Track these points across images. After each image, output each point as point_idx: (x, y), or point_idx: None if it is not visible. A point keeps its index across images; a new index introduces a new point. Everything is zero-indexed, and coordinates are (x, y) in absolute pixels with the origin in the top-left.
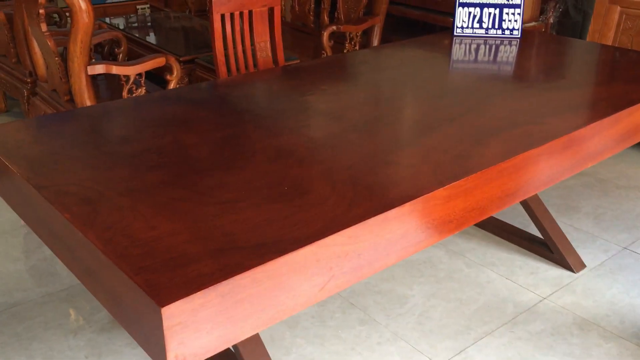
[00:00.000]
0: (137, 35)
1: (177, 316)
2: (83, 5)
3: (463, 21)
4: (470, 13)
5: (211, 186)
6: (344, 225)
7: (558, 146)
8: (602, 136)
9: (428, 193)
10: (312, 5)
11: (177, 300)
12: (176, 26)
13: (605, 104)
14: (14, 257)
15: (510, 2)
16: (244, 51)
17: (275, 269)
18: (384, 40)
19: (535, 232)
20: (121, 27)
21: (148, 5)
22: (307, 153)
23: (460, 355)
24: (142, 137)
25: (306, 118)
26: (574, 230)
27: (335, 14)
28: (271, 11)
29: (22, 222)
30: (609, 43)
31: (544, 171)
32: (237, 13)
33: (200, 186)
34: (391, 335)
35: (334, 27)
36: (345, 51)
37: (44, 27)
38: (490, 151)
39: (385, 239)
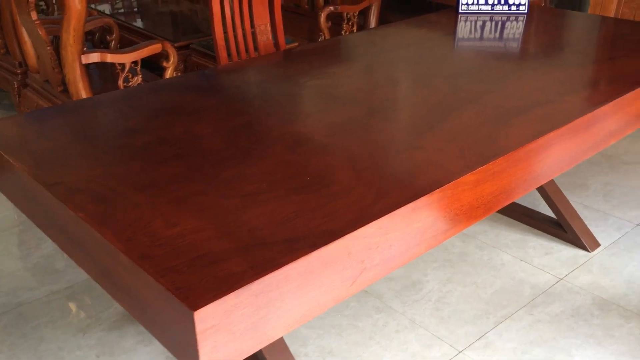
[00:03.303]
0: (126, 21)
1: (209, 319)
2: None
3: None
4: None
5: (230, 178)
6: (373, 217)
7: (582, 125)
8: (624, 113)
9: (457, 178)
10: None
11: (209, 302)
12: (165, 11)
13: (623, 80)
14: (14, 255)
15: None
16: (244, 35)
17: (307, 264)
18: (382, 20)
19: (546, 211)
20: (107, 13)
21: None
22: (326, 140)
23: (481, 340)
24: (151, 128)
25: (320, 103)
26: (585, 208)
27: None
28: None
29: (19, 219)
30: (611, 15)
31: (567, 151)
32: None
33: (219, 179)
34: (409, 323)
35: (332, 8)
36: (343, 32)
37: (34, 15)
38: (515, 132)
39: (415, 228)
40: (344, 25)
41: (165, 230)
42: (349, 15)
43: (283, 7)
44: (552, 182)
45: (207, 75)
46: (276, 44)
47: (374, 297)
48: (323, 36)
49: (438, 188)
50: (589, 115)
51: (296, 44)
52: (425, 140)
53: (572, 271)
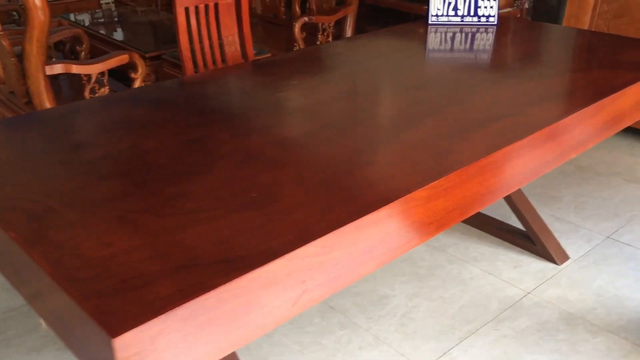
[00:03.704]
0: (100, 31)
1: (132, 346)
2: (38, 2)
3: (438, 9)
4: (445, 0)
5: (172, 196)
6: (316, 235)
7: (541, 138)
8: (586, 125)
9: (406, 194)
10: None
11: (131, 328)
12: (143, 21)
13: (586, 92)
14: None
15: None
16: (211, 46)
17: (242, 286)
18: (358, 30)
19: (518, 223)
20: (86, 23)
21: (112, 0)
22: (277, 155)
23: (445, 356)
24: (98, 142)
25: (277, 116)
26: (556, 220)
27: (307, 4)
28: (238, 3)
29: None
30: (585, 27)
31: (528, 164)
32: (202, 6)
33: (161, 196)
34: (373, 339)
35: (306, 18)
36: (318, 43)
37: None
38: (471, 146)
39: (362, 246)
40: (319, 36)
41: (97, 251)
42: (324, 26)
43: (261, 18)
44: (521, 194)
45: (167, 87)
46: (244, 55)
47: (338, 313)
48: (298, 46)
49: (385, 205)
50: (548, 128)
51: (269, 54)
52: (378, 155)
53: (540, 285)
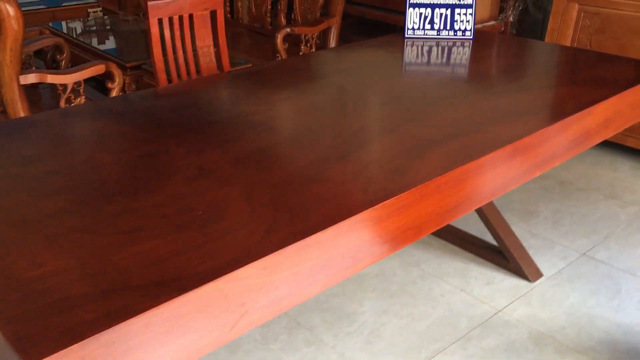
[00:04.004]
0: (83, 40)
1: None
2: (11, 11)
3: (414, 22)
4: (421, 14)
5: (116, 213)
6: (257, 256)
7: (502, 156)
8: (550, 144)
9: (355, 214)
10: (269, 7)
11: (48, 355)
12: (128, 30)
13: (553, 109)
14: None
15: (462, 2)
16: (185, 57)
17: (173, 310)
18: (344, 41)
19: (492, 239)
20: (71, 31)
21: (100, 9)
22: (230, 171)
23: None
24: (51, 156)
25: (236, 131)
26: (532, 236)
27: (292, 15)
28: (214, 14)
29: None
30: (568, 41)
31: (487, 183)
32: (176, 17)
33: (104, 213)
34: (338, 357)
35: (288, 30)
36: (300, 54)
37: None
38: (428, 165)
39: (308, 267)
40: (302, 47)
41: (27, 272)
42: (307, 37)
43: (247, 28)
44: (494, 209)
45: (132, 99)
46: (220, 66)
47: (305, 329)
48: (280, 57)
49: (332, 224)
50: (510, 146)
51: (249, 65)
52: (332, 173)
53: (511, 302)
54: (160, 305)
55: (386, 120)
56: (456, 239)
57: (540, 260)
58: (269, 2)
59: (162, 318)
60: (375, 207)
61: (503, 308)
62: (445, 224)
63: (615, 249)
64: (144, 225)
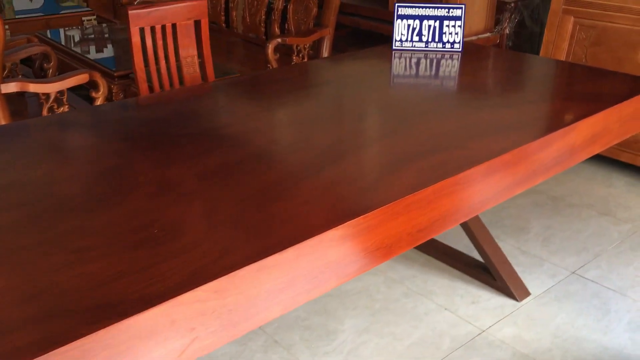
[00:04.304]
0: (73, 48)
1: None
2: None
3: (402, 34)
4: (409, 26)
5: (68, 231)
6: (208, 278)
7: (478, 174)
8: (532, 161)
9: (318, 234)
10: (263, 17)
11: None
12: (120, 39)
13: (537, 125)
14: None
15: (451, 14)
16: (168, 67)
17: (113, 336)
18: (338, 51)
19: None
20: (63, 40)
21: (95, 17)
22: (193, 187)
23: None
24: (11, 168)
25: (205, 144)
26: (521, 253)
27: (286, 25)
28: (198, 24)
29: None
30: (563, 54)
31: (463, 202)
32: (158, 26)
33: (55, 231)
34: None
35: (279, 40)
36: (289, 64)
37: None
38: (400, 182)
39: (265, 289)
40: (294, 57)
41: None
42: (299, 47)
43: (242, 37)
44: (481, 225)
45: (104, 110)
46: (204, 77)
47: (282, 348)
48: (271, 68)
49: (292, 245)
50: (485, 164)
51: (236, 75)
52: (300, 189)
53: (496, 322)
54: (99, 331)
55: (365, 134)
56: (442, 255)
57: (529, 279)
58: (263, 12)
59: (100, 345)
60: (339, 226)
61: (488, 328)
62: (418, 243)
63: (606, 268)
64: (94, 244)
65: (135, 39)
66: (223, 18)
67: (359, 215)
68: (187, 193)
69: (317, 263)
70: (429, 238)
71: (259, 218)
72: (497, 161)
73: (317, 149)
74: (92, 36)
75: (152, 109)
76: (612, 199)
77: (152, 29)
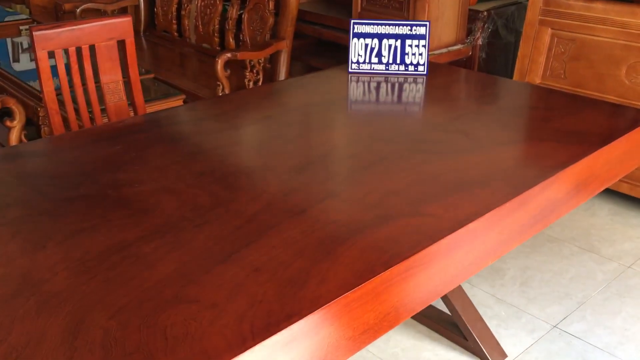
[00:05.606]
0: (2, 67)
1: None
2: None
3: (359, 55)
4: (367, 45)
5: None
6: None
7: (439, 252)
8: (503, 226)
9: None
10: (217, 26)
11: None
12: None
13: (511, 178)
14: None
15: (414, 32)
16: (87, 96)
17: None
18: (299, 62)
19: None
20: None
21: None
22: (62, 285)
23: None
24: None
25: (93, 216)
26: (496, 302)
27: (240, 36)
28: (122, 45)
29: None
30: (540, 69)
31: (420, 287)
32: (72, 49)
33: None
34: None
35: (229, 55)
36: (246, 81)
37: None
38: (336, 274)
39: None
40: (247, 74)
41: None
42: (252, 63)
43: (195, 48)
44: None
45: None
46: (133, 105)
47: None
48: (222, 87)
49: None
50: (444, 240)
51: (181, 96)
52: (199, 289)
53: None
54: None
55: (292, 197)
56: None
57: (504, 335)
58: (217, 22)
59: None
60: (247, 351)
61: None
62: (360, 349)
63: (592, 319)
64: None
65: (44, 64)
66: (175, 27)
67: (276, 332)
68: (54, 294)
69: None
70: (377, 338)
71: (137, 339)
72: (462, 232)
73: (231, 223)
74: (25, 47)
75: (41, 160)
76: (595, 232)
77: (66, 51)
